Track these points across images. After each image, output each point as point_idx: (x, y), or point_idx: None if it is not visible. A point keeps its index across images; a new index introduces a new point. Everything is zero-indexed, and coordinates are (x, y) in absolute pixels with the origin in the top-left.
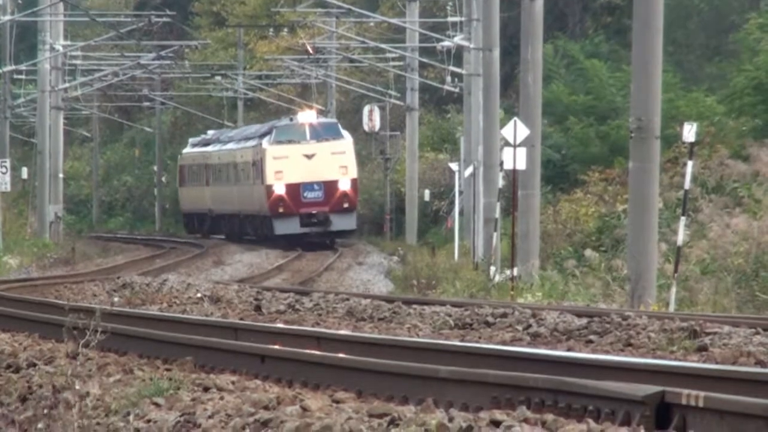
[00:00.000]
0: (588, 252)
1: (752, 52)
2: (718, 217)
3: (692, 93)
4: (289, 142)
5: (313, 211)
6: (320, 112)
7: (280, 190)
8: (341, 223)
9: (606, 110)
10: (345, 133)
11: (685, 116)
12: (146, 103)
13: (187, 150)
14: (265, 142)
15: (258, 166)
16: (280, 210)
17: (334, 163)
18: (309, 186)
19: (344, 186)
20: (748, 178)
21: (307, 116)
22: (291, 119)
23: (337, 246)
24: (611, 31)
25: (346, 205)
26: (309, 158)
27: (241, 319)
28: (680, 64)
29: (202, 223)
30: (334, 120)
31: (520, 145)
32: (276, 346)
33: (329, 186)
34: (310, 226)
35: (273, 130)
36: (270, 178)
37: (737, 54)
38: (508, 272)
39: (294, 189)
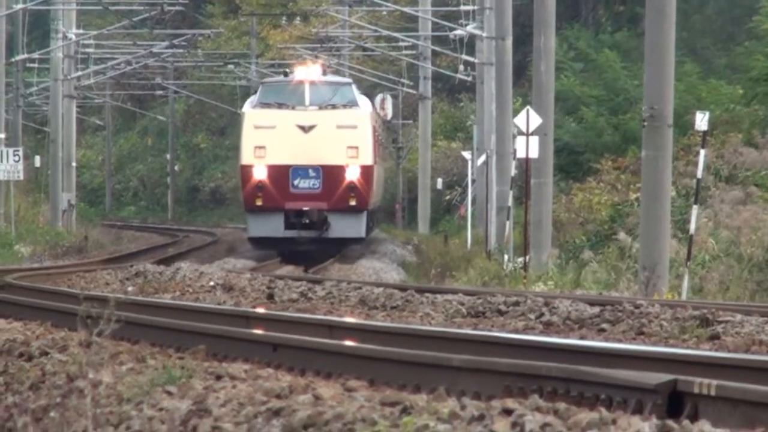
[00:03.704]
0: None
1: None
2: (731, 205)
3: (710, 82)
4: (279, 106)
5: (305, 208)
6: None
7: (260, 174)
8: (344, 227)
9: (620, 101)
10: (363, 99)
11: (705, 105)
12: (159, 92)
13: None
14: (246, 105)
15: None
16: (258, 202)
17: (341, 141)
18: (302, 171)
19: (352, 175)
20: (760, 166)
21: (309, 72)
22: (285, 74)
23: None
24: (624, 19)
25: (352, 203)
26: (305, 131)
27: (254, 307)
28: (695, 50)
29: None
30: (348, 80)
31: (532, 134)
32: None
33: (331, 173)
34: (299, 228)
35: (259, 87)
36: (247, 156)
37: (757, 38)
38: (519, 260)
39: (280, 174)
